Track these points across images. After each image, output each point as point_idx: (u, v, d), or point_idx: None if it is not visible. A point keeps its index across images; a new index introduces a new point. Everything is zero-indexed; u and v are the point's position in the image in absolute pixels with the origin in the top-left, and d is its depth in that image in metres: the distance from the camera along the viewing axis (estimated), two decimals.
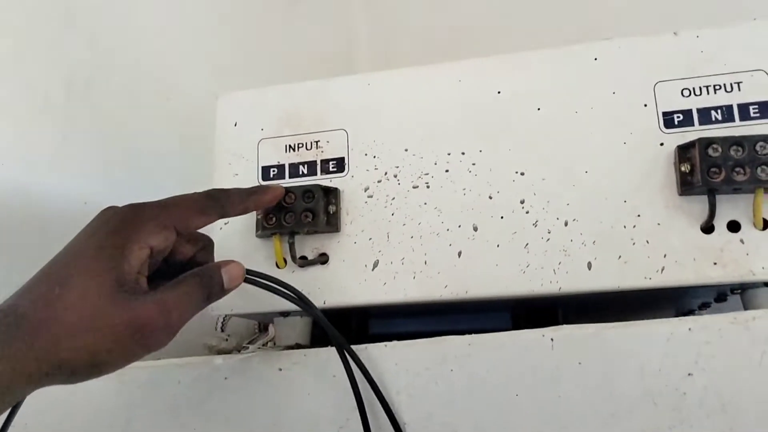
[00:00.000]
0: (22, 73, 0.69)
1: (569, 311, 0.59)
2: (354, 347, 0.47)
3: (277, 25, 0.99)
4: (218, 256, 0.53)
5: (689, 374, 0.39)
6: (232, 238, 0.53)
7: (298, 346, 0.52)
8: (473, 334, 0.45)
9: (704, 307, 0.56)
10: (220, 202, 0.44)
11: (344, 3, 1.06)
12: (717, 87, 0.47)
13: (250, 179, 0.53)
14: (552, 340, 0.42)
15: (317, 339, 0.55)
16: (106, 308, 0.37)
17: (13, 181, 0.46)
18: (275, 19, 1.00)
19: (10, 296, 0.39)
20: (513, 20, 1.01)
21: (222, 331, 0.81)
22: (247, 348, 0.59)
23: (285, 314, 0.53)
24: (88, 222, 0.41)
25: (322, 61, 1.02)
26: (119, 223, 0.40)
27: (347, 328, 0.58)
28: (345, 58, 1.04)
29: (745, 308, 0.47)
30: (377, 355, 0.47)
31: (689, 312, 0.60)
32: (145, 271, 0.40)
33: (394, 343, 0.47)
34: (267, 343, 0.73)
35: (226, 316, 0.82)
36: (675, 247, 0.45)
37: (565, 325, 0.42)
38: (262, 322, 0.78)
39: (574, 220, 0.47)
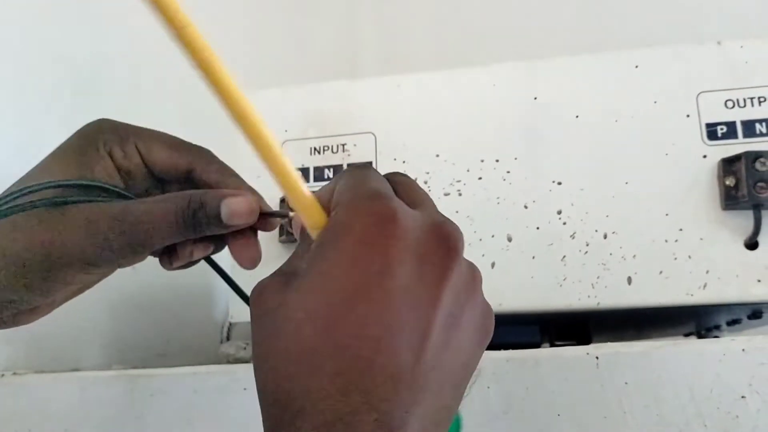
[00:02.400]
0: (27, 70, 0.66)
1: (590, 323, 0.58)
2: None
3: (285, 26, 0.98)
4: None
5: (742, 397, 0.38)
6: None
7: None
8: (511, 350, 0.43)
9: (734, 323, 0.55)
10: (197, 152, 0.38)
11: (351, 5, 1.05)
12: (762, 99, 0.46)
13: (273, 183, 0.51)
14: (597, 358, 0.40)
15: None
16: (74, 208, 0.34)
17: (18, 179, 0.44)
18: (282, 20, 0.98)
19: None
20: (520, 25, 1.00)
21: (228, 338, 0.78)
22: None
23: None
24: None
25: (328, 63, 1.00)
26: (81, 134, 0.36)
27: None
28: (351, 60, 1.02)
29: None
30: None
31: (714, 328, 0.59)
32: (119, 183, 0.36)
33: None
34: None
35: (231, 321, 0.80)
36: (718, 263, 0.44)
37: (610, 343, 0.41)
38: None
39: (613, 232, 0.45)
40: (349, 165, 0.31)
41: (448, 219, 0.28)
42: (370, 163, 0.50)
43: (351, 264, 0.26)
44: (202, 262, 0.43)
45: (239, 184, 0.37)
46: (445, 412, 0.27)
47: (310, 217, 0.28)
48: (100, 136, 0.36)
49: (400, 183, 0.30)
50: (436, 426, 0.26)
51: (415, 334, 0.25)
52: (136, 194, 0.37)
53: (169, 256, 0.40)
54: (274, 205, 0.51)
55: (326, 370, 0.25)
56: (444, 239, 0.27)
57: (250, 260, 0.38)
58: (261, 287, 0.28)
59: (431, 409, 0.26)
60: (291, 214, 0.36)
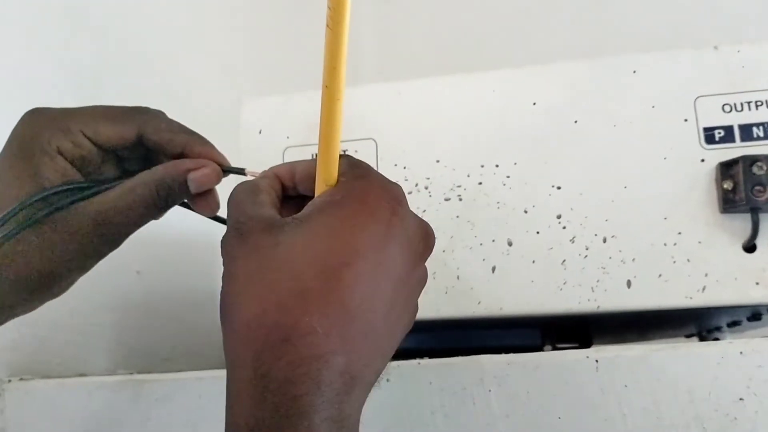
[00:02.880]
0: (31, 74, 0.67)
1: (591, 326, 0.58)
2: None
3: (286, 31, 0.98)
4: None
5: (740, 399, 0.38)
6: None
7: None
8: (512, 353, 0.43)
9: (734, 325, 0.56)
10: (141, 117, 0.38)
11: (352, 11, 1.05)
12: (759, 103, 0.46)
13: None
14: (597, 361, 0.41)
15: None
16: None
17: None
18: (284, 24, 0.99)
19: None
20: (518, 31, 1.00)
21: None
22: None
23: None
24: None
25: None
26: (29, 129, 0.36)
27: None
28: (350, 66, 1.03)
29: None
30: (410, 372, 0.45)
31: (715, 329, 0.59)
32: (76, 177, 0.37)
33: (428, 361, 0.45)
34: None
35: None
36: (716, 266, 0.44)
37: (609, 346, 0.41)
38: None
39: (612, 236, 0.46)
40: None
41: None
42: None
43: (360, 228, 0.29)
44: None
45: (189, 139, 0.38)
46: (378, 374, 0.31)
47: (328, 172, 0.31)
48: (42, 136, 0.36)
49: None
50: (371, 385, 0.30)
51: (388, 303, 0.29)
52: (97, 174, 0.38)
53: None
54: None
55: (316, 309, 0.27)
56: (426, 237, 0.33)
57: (211, 208, 0.40)
58: (244, 228, 0.30)
59: (377, 368, 0.30)
60: (247, 171, 0.39)
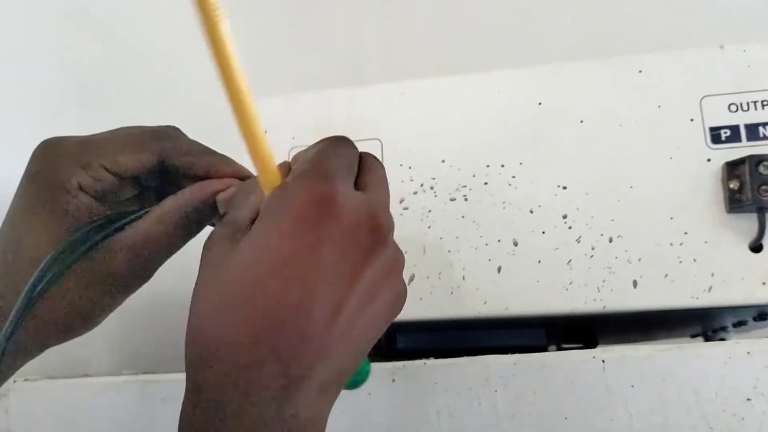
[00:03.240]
0: (36, 75, 0.67)
1: (596, 326, 0.58)
2: (391, 364, 0.46)
3: (289, 31, 0.98)
4: None
5: (747, 399, 0.38)
6: None
7: None
8: (518, 353, 0.43)
9: (739, 325, 0.56)
10: (161, 143, 0.37)
11: (353, 12, 1.05)
12: (765, 102, 0.46)
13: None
14: (603, 361, 0.41)
15: None
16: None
17: None
18: (287, 25, 0.99)
19: None
20: (523, 31, 1.00)
21: None
22: None
23: None
24: None
25: (330, 70, 1.00)
26: (45, 164, 0.35)
27: (376, 344, 0.57)
28: (354, 67, 1.03)
29: None
30: (416, 372, 0.45)
31: (720, 329, 0.59)
32: (101, 210, 0.36)
33: (434, 361, 0.45)
34: None
35: None
36: (723, 265, 0.44)
37: (615, 346, 0.41)
38: None
39: (618, 236, 0.46)
40: (329, 137, 0.32)
41: (385, 207, 0.32)
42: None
43: (287, 234, 0.29)
44: None
45: (213, 161, 0.37)
46: (345, 373, 0.30)
47: (265, 177, 0.30)
48: (61, 174, 0.35)
49: (365, 162, 0.34)
50: (335, 384, 0.30)
51: (331, 304, 0.28)
52: (117, 200, 0.37)
53: None
54: None
55: (243, 320, 0.28)
56: (375, 228, 0.30)
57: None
58: (213, 237, 0.31)
59: (334, 369, 0.29)
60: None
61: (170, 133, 0.38)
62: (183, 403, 0.29)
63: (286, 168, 0.31)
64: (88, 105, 0.71)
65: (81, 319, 0.36)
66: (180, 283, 0.79)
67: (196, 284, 0.30)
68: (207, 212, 0.36)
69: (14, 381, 0.58)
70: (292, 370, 0.28)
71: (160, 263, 0.37)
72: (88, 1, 0.74)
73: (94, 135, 0.37)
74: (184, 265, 0.79)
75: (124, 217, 0.36)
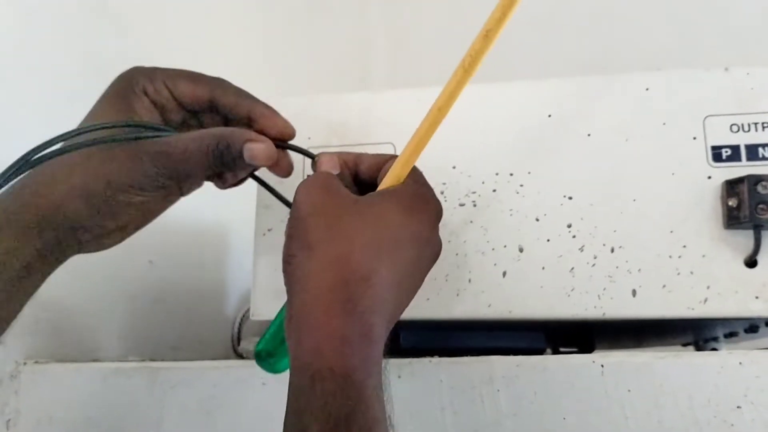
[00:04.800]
0: (53, 67, 0.68)
1: (593, 331, 0.60)
2: (398, 361, 0.47)
3: (299, 36, 0.99)
4: (260, 262, 0.53)
5: (738, 407, 0.40)
6: (277, 245, 0.53)
7: None
8: (520, 356, 0.45)
9: (731, 336, 0.58)
10: (214, 81, 0.45)
11: (363, 18, 1.07)
12: (765, 124, 0.48)
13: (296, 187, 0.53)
14: (602, 366, 0.43)
15: None
16: (118, 146, 0.42)
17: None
18: (297, 29, 1.00)
19: None
20: (529, 41, 1.02)
21: (239, 334, 0.81)
22: None
23: None
24: None
25: (339, 73, 1.02)
26: (115, 81, 0.44)
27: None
28: (362, 71, 1.04)
29: None
30: (421, 370, 0.47)
31: (712, 339, 0.61)
32: (157, 117, 0.44)
33: (439, 359, 0.47)
34: None
35: (243, 317, 0.82)
36: (718, 279, 0.46)
37: (614, 352, 0.43)
38: None
39: (620, 247, 0.48)
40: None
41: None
42: None
43: (400, 217, 0.39)
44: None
45: (254, 104, 0.45)
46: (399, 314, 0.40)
47: (396, 173, 0.42)
48: (134, 79, 0.43)
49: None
50: (391, 322, 0.39)
51: (429, 260, 0.41)
52: (174, 125, 0.45)
53: (219, 177, 0.48)
54: None
55: (386, 262, 0.37)
56: (440, 211, 0.43)
57: (284, 170, 0.48)
58: (329, 203, 0.39)
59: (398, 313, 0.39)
60: (315, 155, 0.45)
61: (223, 79, 0.45)
62: (318, 318, 0.35)
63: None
64: None
65: (112, 204, 0.42)
66: (186, 274, 0.81)
67: (317, 233, 0.37)
68: (233, 151, 0.42)
69: (25, 363, 0.59)
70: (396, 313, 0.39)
71: (186, 177, 0.43)
72: None
73: (164, 67, 0.45)
74: (188, 257, 0.81)
75: (170, 130, 0.43)
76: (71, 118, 0.69)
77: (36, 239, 0.40)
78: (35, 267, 0.41)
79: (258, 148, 0.42)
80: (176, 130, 0.43)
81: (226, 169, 0.44)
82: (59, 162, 0.41)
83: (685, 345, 0.68)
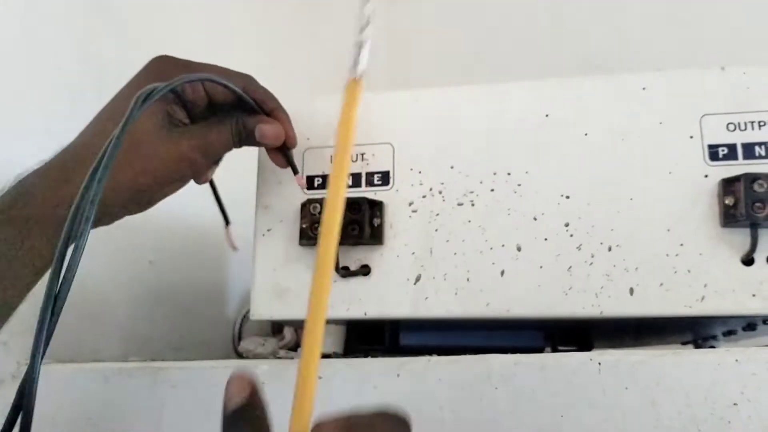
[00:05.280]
0: (54, 68, 0.68)
1: (592, 330, 0.61)
2: (397, 360, 0.48)
3: (299, 36, 1.00)
4: (260, 262, 0.53)
5: (734, 404, 0.41)
6: (276, 245, 0.53)
7: (335, 355, 0.53)
8: (519, 354, 0.45)
9: (729, 334, 0.58)
10: (247, 77, 0.50)
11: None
12: (761, 123, 0.48)
13: (295, 188, 0.54)
14: (599, 364, 0.43)
15: (351, 348, 0.56)
16: (159, 141, 0.45)
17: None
18: (297, 29, 1.00)
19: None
20: (527, 41, 1.02)
21: (239, 335, 0.81)
22: (278, 353, 0.59)
23: None
24: None
25: (338, 74, 1.02)
26: (154, 68, 0.48)
27: (380, 339, 0.59)
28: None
29: None
30: (420, 368, 0.47)
31: (711, 338, 0.61)
32: (180, 115, 0.48)
33: (438, 358, 0.48)
34: (283, 347, 0.73)
35: (243, 317, 0.83)
36: (716, 277, 0.46)
37: (611, 350, 0.43)
38: (278, 325, 0.79)
39: (617, 245, 0.48)
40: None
41: None
42: (388, 172, 0.53)
43: None
44: None
45: (277, 105, 0.51)
46: None
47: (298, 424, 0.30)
48: (170, 73, 0.45)
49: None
50: None
51: None
52: (193, 116, 0.49)
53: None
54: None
55: None
56: None
57: (280, 164, 0.53)
58: None
59: None
60: (296, 178, 0.53)
61: (250, 76, 0.51)
62: None
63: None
64: (106, 99, 0.72)
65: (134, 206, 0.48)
66: (186, 274, 0.81)
67: None
68: (249, 130, 0.49)
69: (26, 363, 0.59)
70: None
71: (211, 164, 0.51)
72: None
73: (199, 62, 0.49)
74: (189, 258, 0.81)
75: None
76: (70, 119, 0.69)
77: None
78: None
79: (267, 128, 0.49)
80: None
81: (243, 145, 0.50)
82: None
83: (684, 344, 0.68)
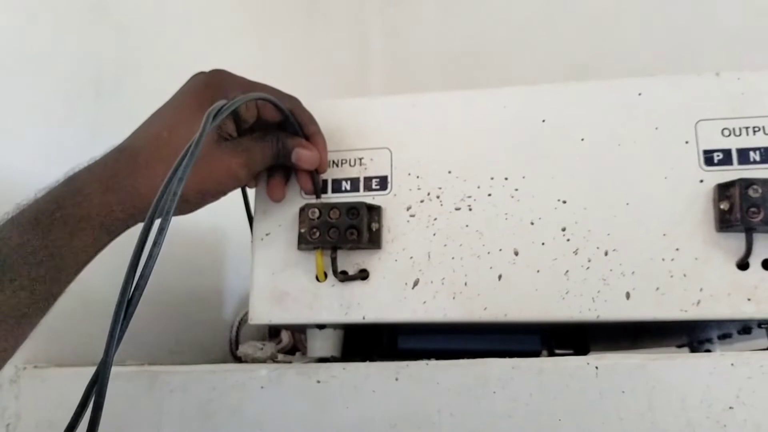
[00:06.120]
0: (51, 70, 0.68)
1: (589, 332, 0.61)
2: (395, 363, 0.48)
3: (296, 42, 1.00)
4: (259, 266, 0.53)
5: (730, 407, 0.41)
6: (275, 250, 0.53)
7: (333, 359, 0.53)
8: (516, 358, 0.46)
9: (724, 337, 0.58)
10: (294, 101, 0.52)
11: (359, 23, 1.07)
12: (756, 129, 0.49)
13: (293, 192, 0.54)
14: (597, 368, 0.43)
15: (349, 352, 0.56)
16: (210, 156, 0.47)
17: (41, 180, 0.47)
18: (295, 35, 1.01)
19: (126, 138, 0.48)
20: (524, 45, 1.02)
21: (236, 338, 0.81)
22: (276, 357, 0.59)
23: (321, 326, 0.54)
24: None
25: (336, 79, 1.02)
26: (213, 82, 0.49)
27: (378, 343, 0.59)
28: (358, 77, 1.05)
29: None
30: (418, 372, 0.48)
31: (706, 341, 0.62)
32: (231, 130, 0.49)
33: (436, 362, 0.48)
34: (281, 350, 0.74)
35: (240, 321, 0.83)
36: (711, 281, 0.47)
37: (608, 354, 0.44)
38: (275, 329, 0.79)
39: (614, 250, 0.48)
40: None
41: None
42: (386, 177, 0.53)
43: None
44: None
45: (317, 130, 0.53)
46: None
47: None
48: (227, 92, 0.47)
49: None
50: None
51: None
52: (240, 129, 0.50)
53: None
54: None
55: None
56: None
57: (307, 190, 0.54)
58: None
59: None
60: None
61: (297, 99, 0.53)
62: None
63: None
64: (103, 100, 0.72)
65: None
66: (184, 278, 0.81)
67: None
68: (287, 151, 0.51)
69: (24, 368, 0.59)
70: None
71: (256, 168, 0.51)
72: None
73: (253, 81, 0.50)
74: (186, 262, 0.81)
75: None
76: (69, 119, 0.69)
77: (107, 236, 0.46)
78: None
79: (304, 153, 0.51)
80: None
81: (279, 162, 0.51)
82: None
83: (679, 346, 0.69)
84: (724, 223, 0.47)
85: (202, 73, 0.50)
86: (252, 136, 0.50)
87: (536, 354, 0.56)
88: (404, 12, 1.08)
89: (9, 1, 0.63)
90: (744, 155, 0.48)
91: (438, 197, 0.52)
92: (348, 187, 0.53)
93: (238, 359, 0.64)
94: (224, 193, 0.51)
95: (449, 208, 0.51)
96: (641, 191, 0.49)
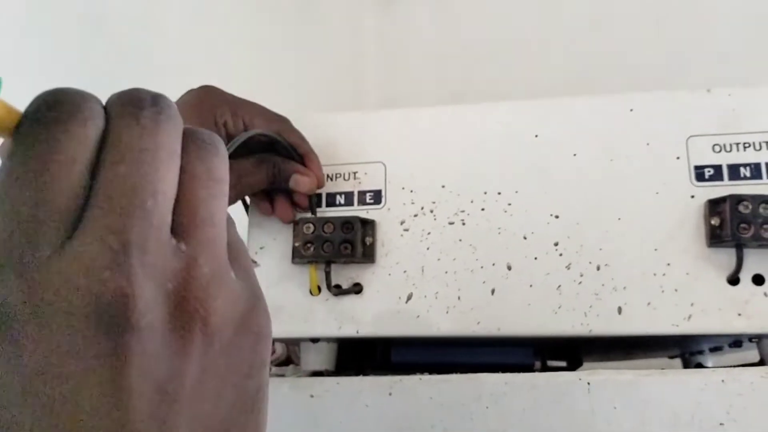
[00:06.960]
0: (47, 76, 0.68)
1: (581, 345, 0.61)
2: (388, 378, 0.48)
3: (291, 54, 1.00)
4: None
5: (721, 424, 0.41)
6: (267, 263, 0.53)
7: (327, 373, 0.53)
8: (509, 373, 0.46)
9: (715, 350, 0.59)
10: (284, 122, 0.52)
11: (354, 35, 1.08)
12: (747, 144, 0.49)
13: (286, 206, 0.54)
14: (589, 384, 0.44)
15: (343, 364, 0.56)
16: None
17: None
18: (289, 47, 1.01)
19: None
20: (514, 63, 1.03)
21: None
22: (270, 369, 0.59)
23: (315, 340, 0.54)
24: None
25: (330, 92, 1.03)
26: (204, 98, 0.50)
27: (372, 356, 0.60)
28: (353, 90, 1.05)
29: (761, 356, 0.49)
30: (411, 387, 0.48)
31: (697, 353, 0.62)
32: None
33: (429, 377, 0.48)
34: (273, 361, 0.74)
35: None
36: (702, 296, 0.47)
37: (601, 370, 0.44)
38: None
39: (606, 265, 0.49)
40: None
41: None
42: (380, 191, 0.53)
43: None
44: None
45: (310, 151, 0.53)
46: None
47: None
48: (219, 110, 0.48)
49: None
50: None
51: None
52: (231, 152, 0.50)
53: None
54: None
55: None
56: None
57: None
58: None
59: None
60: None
61: (288, 120, 0.53)
62: None
63: None
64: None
65: None
66: None
67: None
68: (283, 176, 0.51)
69: None
70: None
71: (242, 196, 0.54)
72: (102, 8, 0.76)
73: (244, 99, 0.51)
74: None
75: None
76: None
77: None
78: None
79: (302, 180, 0.52)
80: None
81: (275, 187, 0.52)
82: None
83: (671, 358, 0.69)
84: (715, 238, 0.47)
85: (192, 89, 0.51)
86: (247, 160, 0.51)
87: (529, 367, 0.56)
88: (399, 20, 1.08)
89: (4, 10, 0.63)
90: (735, 171, 0.49)
91: (432, 211, 0.52)
92: (342, 201, 0.54)
93: None
94: None
95: (443, 223, 0.52)
96: (633, 206, 0.49)
